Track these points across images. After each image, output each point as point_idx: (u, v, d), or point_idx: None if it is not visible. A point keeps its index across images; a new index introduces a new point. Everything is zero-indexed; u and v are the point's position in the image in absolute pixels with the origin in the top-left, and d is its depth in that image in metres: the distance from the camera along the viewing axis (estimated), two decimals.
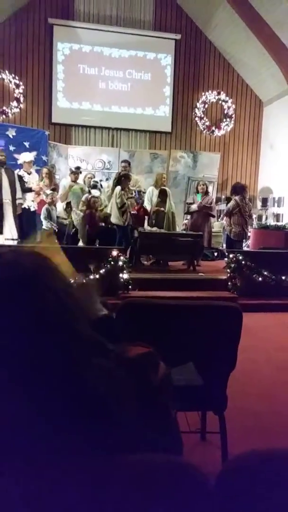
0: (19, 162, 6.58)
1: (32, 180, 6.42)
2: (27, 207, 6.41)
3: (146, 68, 9.16)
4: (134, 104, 9.10)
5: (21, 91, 8.73)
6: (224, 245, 7.20)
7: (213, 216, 6.97)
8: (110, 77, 9.04)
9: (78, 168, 6.81)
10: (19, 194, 6.39)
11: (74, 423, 0.47)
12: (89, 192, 6.38)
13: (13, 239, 6.17)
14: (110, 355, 0.55)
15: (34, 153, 6.96)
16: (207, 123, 9.46)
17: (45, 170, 6.41)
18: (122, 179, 6.03)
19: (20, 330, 0.49)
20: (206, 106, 9.48)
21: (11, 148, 7.25)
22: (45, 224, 5.94)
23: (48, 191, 6.11)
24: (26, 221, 6.40)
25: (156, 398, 0.60)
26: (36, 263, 0.55)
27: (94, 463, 0.46)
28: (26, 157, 6.52)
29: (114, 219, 5.98)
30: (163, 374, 0.67)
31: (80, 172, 6.80)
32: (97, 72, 9.01)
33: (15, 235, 6.22)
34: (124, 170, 6.64)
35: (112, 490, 0.44)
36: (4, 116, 8.57)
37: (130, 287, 5.11)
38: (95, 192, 6.38)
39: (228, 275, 5.41)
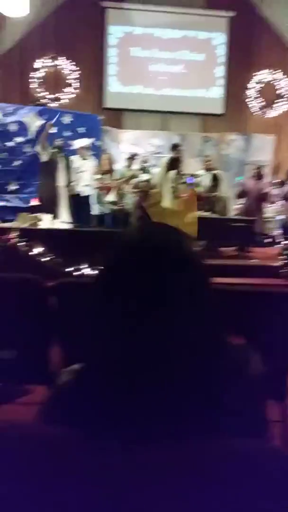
0: (74, 147, 6.73)
1: (87, 166, 6.57)
2: (80, 192, 6.59)
3: (198, 49, 8.98)
4: (186, 86, 8.98)
5: (74, 76, 8.86)
6: (279, 231, 7.04)
7: (267, 201, 6.82)
8: (161, 59, 8.96)
9: (134, 154, 6.88)
10: (72, 178, 6.58)
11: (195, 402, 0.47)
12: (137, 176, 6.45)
13: (68, 223, 6.38)
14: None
15: (91, 140, 7.07)
16: (261, 104, 9.15)
17: (107, 155, 6.51)
18: (175, 163, 6.03)
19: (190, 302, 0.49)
20: (260, 86, 9.16)
21: (65, 134, 7.41)
22: (97, 209, 6.09)
23: (98, 176, 6.22)
24: (79, 206, 6.58)
25: (252, 389, 0.60)
26: (180, 235, 0.56)
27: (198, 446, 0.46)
28: (82, 142, 6.65)
29: (166, 204, 6.01)
30: (259, 368, 0.67)
31: (135, 159, 6.87)
32: (149, 54, 8.95)
33: (69, 218, 6.43)
34: (176, 154, 6.61)
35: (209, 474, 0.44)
36: (58, 103, 8.76)
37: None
38: (144, 177, 6.43)
39: (282, 262, 5.30)
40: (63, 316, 1.98)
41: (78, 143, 6.68)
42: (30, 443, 0.47)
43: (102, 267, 0.54)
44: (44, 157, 6.41)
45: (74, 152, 6.91)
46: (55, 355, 2.04)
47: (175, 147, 7.02)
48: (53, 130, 7.31)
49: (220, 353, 0.51)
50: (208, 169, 6.57)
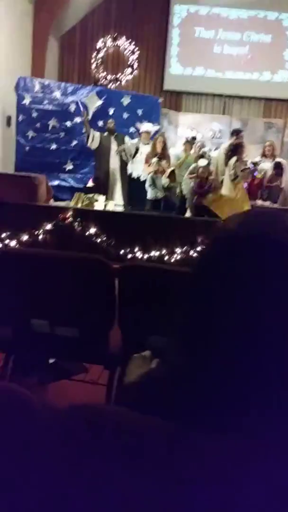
0: (140, 131, 6.60)
1: (145, 150, 6.44)
2: (135, 176, 6.49)
3: (266, 30, 8.50)
4: (250, 69, 8.56)
5: (135, 57, 8.69)
6: None
7: None
8: (226, 41, 8.59)
9: (194, 138, 6.66)
10: (128, 161, 6.48)
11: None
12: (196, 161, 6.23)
13: (122, 205, 6.31)
14: None
15: (157, 127, 6.93)
16: None
17: (161, 138, 6.35)
18: (237, 149, 5.75)
19: None
20: None
21: (124, 116, 7.29)
22: (151, 193, 5.95)
23: (154, 159, 6.08)
24: (134, 189, 6.49)
25: None
26: None
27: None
28: (147, 127, 6.52)
29: (225, 191, 5.77)
30: None
31: (193, 143, 6.66)
32: (213, 35, 8.61)
33: (123, 201, 6.36)
34: (237, 140, 6.32)
35: None
36: (117, 83, 8.65)
37: None
38: (202, 162, 6.20)
39: None
40: (126, 299, 1.95)
41: (143, 127, 6.56)
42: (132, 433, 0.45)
43: (203, 257, 0.52)
44: (93, 146, 6.37)
45: (132, 135, 6.81)
46: (115, 337, 2.01)
47: (236, 133, 6.73)
48: (112, 111, 7.23)
49: None
50: (269, 156, 6.24)
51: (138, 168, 6.43)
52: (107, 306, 1.95)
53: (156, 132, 6.86)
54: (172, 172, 6.15)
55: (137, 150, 6.37)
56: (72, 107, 7.24)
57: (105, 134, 6.37)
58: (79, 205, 6.07)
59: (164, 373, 0.56)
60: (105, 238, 5.15)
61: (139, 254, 5.11)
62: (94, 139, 6.32)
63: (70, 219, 5.13)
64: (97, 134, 6.37)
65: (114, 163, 6.40)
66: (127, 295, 1.95)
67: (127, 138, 6.48)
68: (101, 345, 1.98)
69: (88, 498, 0.42)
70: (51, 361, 2.26)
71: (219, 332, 0.46)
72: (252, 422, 0.44)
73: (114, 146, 6.36)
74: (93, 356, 2.03)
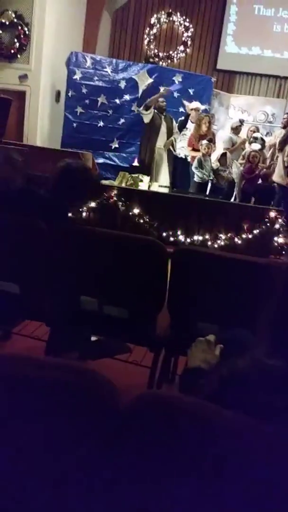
0: (188, 109, 6.43)
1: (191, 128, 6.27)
2: (181, 156, 6.34)
3: None
4: None
5: (189, 34, 8.40)
6: None
7: None
8: (286, 19, 8.10)
9: (242, 121, 6.41)
10: (175, 141, 6.33)
11: None
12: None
13: (166, 186, 6.21)
14: None
15: (205, 106, 6.75)
16: None
17: (207, 118, 6.15)
18: None
19: None
20: None
21: (175, 94, 7.10)
22: (198, 175, 5.80)
23: (204, 142, 5.89)
24: (180, 170, 6.36)
25: None
26: None
27: None
28: (195, 105, 6.34)
29: (276, 178, 5.53)
30: None
31: (242, 125, 6.41)
32: (273, 13, 8.15)
33: (168, 183, 6.25)
34: None
35: None
36: (169, 61, 8.41)
37: (283, 252, 4.74)
38: (254, 146, 5.97)
39: None
40: (177, 283, 1.92)
41: (192, 105, 6.38)
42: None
43: None
44: (146, 119, 6.25)
45: (181, 114, 6.64)
46: (163, 320, 1.99)
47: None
48: (144, 88, 7.04)
49: None
50: None
51: (182, 147, 6.28)
52: (158, 288, 1.93)
53: (204, 109, 6.67)
54: (224, 155, 5.97)
55: (184, 127, 6.22)
56: (122, 84, 7.13)
57: (155, 112, 6.25)
58: (123, 185, 6.03)
59: (253, 370, 0.54)
60: (148, 219, 5.10)
61: (181, 238, 5.03)
62: (149, 113, 6.20)
63: (115, 198, 5.10)
64: (151, 109, 6.25)
65: (161, 143, 6.28)
66: (179, 279, 1.92)
67: (174, 122, 6.33)
68: (148, 327, 1.96)
69: (161, 484, 0.42)
70: (94, 338, 2.26)
71: None
72: None
73: (163, 125, 6.24)
74: (139, 338, 2.03)
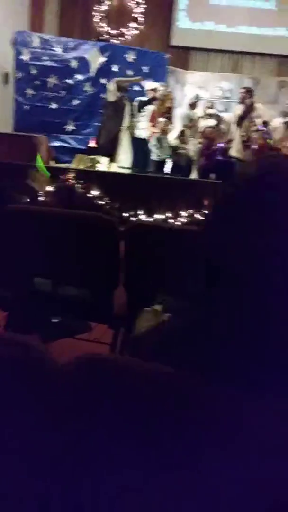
0: (146, 89, 6.33)
1: (150, 108, 6.17)
2: (140, 135, 6.25)
3: None
4: (263, 24, 8.05)
5: (141, 10, 8.20)
6: None
7: None
8: None
9: (198, 96, 6.37)
10: (135, 121, 6.24)
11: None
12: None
13: (126, 168, 6.10)
14: None
15: (159, 84, 6.64)
16: None
17: (171, 95, 6.08)
18: (250, 110, 5.50)
19: None
20: None
21: (129, 73, 6.94)
22: (155, 153, 5.74)
23: (161, 119, 5.83)
24: (139, 150, 6.27)
25: None
26: None
27: None
28: (151, 85, 6.25)
29: (234, 152, 5.53)
30: None
31: (198, 101, 6.37)
32: None
33: (128, 163, 6.15)
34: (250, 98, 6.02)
35: None
36: (122, 39, 8.20)
37: None
38: (210, 122, 5.94)
39: None
40: (131, 259, 1.94)
41: (147, 86, 6.29)
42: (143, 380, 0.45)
43: (218, 204, 0.52)
44: (111, 97, 6.10)
45: (138, 94, 6.52)
46: (120, 297, 1.98)
47: (248, 92, 6.40)
48: (115, 68, 6.93)
49: None
50: None
51: (142, 127, 6.18)
52: (111, 265, 1.94)
53: None
54: (182, 132, 5.91)
55: (142, 108, 6.11)
56: (74, 64, 6.90)
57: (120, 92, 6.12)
58: (80, 167, 5.88)
59: (179, 327, 0.56)
60: (108, 200, 5.01)
61: (143, 217, 4.98)
62: (111, 92, 6.05)
63: (72, 180, 4.98)
64: (114, 87, 6.10)
65: (124, 123, 6.17)
66: (132, 255, 1.94)
67: (135, 103, 6.20)
68: (105, 305, 1.97)
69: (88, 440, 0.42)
70: (55, 320, 2.24)
71: (241, 284, 0.45)
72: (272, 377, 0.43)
73: (127, 107, 6.12)
74: (97, 316, 2.05)
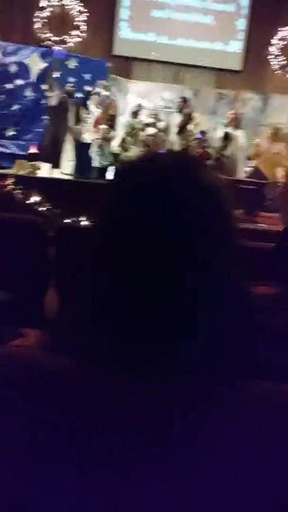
0: (92, 93, 6.36)
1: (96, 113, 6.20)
2: (84, 141, 6.23)
3: None
4: (203, 38, 8.36)
5: (82, 19, 8.21)
6: None
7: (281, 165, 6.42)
8: (179, 6, 8.30)
9: (140, 106, 6.48)
10: (79, 127, 6.21)
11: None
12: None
13: (68, 174, 6.05)
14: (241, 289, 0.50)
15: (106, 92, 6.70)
16: (283, 63, 8.57)
17: (115, 103, 6.15)
18: (188, 119, 5.67)
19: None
20: (284, 42, 8.53)
21: (70, 80, 6.90)
22: (98, 160, 5.75)
23: (103, 126, 5.85)
24: (82, 156, 6.25)
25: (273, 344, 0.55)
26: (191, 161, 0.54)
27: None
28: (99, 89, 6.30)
29: None
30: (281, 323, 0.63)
31: (139, 110, 6.47)
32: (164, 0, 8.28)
33: (70, 169, 6.09)
34: (187, 108, 6.22)
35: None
36: (63, 46, 8.15)
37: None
38: (150, 131, 6.06)
39: None
40: (62, 262, 1.94)
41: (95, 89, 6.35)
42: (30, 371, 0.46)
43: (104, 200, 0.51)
44: (52, 101, 6.05)
45: (82, 100, 6.52)
46: (51, 301, 1.96)
47: (184, 100, 6.59)
48: (57, 74, 6.88)
49: (237, 301, 0.47)
50: (231, 126, 6.21)
51: (86, 133, 6.17)
52: (40, 268, 1.92)
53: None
54: (124, 140, 5.96)
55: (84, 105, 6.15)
56: (13, 69, 6.77)
57: (64, 96, 6.07)
58: (20, 173, 5.74)
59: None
60: (49, 206, 4.92)
61: (85, 223, 4.94)
62: (53, 96, 5.99)
63: (11, 186, 4.87)
64: (58, 92, 6.06)
65: (67, 130, 6.13)
66: (62, 257, 1.93)
67: (82, 110, 6.19)
68: (37, 309, 1.91)
69: None
70: None
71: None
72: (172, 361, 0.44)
73: (70, 113, 6.08)
74: (28, 320, 1.91)
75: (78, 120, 6.16)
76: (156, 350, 0.44)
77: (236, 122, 6.35)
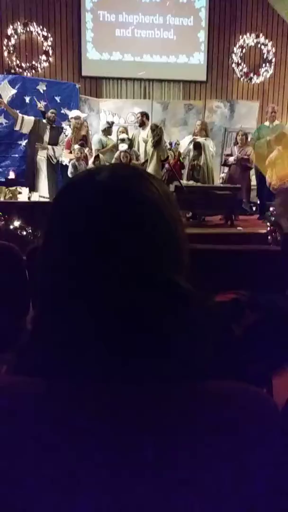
0: (70, 117, 6.53)
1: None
2: (62, 163, 6.36)
3: (180, 12, 8.56)
4: (166, 52, 8.61)
5: (49, 43, 8.42)
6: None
7: (250, 169, 6.64)
8: (140, 24, 8.53)
9: (110, 122, 6.62)
10: (58, 152, 6.34)
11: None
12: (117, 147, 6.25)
13: (46, 197, 6.14)
14: (190, 300, 0.50)
15: (84, 115, 6.87)
16: (245, 70, 8.86)
17: (85, 123, 6.31)
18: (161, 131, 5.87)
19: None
20: (244, 51, 8.84)
21: (42, 103, 7.08)
22: None
23: (76, 146, 5.99)
24: (59, 177, 6.36)
25: (234, 350, 0.57)
26: (132, 172, 0.53)
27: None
28: (74, 113, 6.48)
29: (151, 172, 5.80)
30: (248, 325, 0.63)
31: (111, 127, 6.62)
32: (125, 19, 8.52)
33: (48, 192, 6.17)
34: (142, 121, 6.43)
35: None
36: (33, 71, 8.34)
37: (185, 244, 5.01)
38: (122, 147, 6.18)
39: (268, 228, 5.18)
40: (33, 284, 1.92)
41: (73, 113, 6.51)
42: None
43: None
44: (24, 129, 6.19)
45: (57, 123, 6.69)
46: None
47: (142, 115, 6.70)
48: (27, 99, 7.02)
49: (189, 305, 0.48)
50: (199, 135, 6.42)
51: (63, 155, 6.32)
52: (17, 291, 1.90)
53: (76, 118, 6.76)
54: (97, 157, 6.08)
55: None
56: None
57: (44, 121, 6.19)
58: (1, 199, 5.84)
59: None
60: (30, 230, 5.01)
61: None
62: (24, 123, 6.11)
63: None
64: (31, 118, 6.19)
65: (42, 153, 6.24)
66: (33, 278, 1.91)
67: (62, 136, 6.35)
68: (16, 332, 1.83)
69: None
70: None
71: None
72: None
73: (46, 137, 6.20)
74: (7, 344, 1.98)
75: (55, 142, 6.29)
76: (109, 361, 0.44)
77: (205, 131, 6.55)
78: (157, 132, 5.94)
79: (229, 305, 0.64)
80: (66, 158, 6.21)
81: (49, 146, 6.20)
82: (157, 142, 5.90)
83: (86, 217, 0.46)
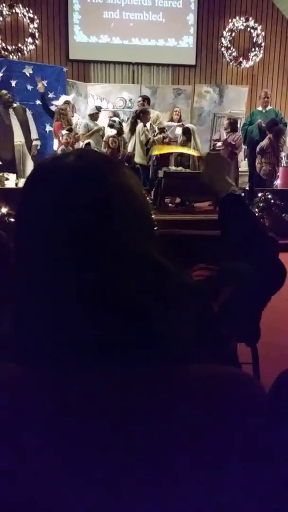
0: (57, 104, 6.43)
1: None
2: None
3: None
4: (155, 36, 8.47)
5: (36, 25, 8.23)
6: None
7: (236, 154, 6.61)
8: (128, 6, 8.37)
9: (98, 107, 6.54)
10: (34, 135, 6.26)
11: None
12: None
13: None
14: (169, 278, 0.50)
15: (71, 96, 6.76)
16: (234, 54, 8.78)
17: (69, 108, 6.23)
18: (141, 115, 5.76)
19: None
20: (233, 34, 8.74)
21: (29, 87, 6.96)
22: None
23: (64, 132, 5.92)
24: None
25: (216, 327, 0.58)
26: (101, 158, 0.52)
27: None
28: (63, 98, 6.42)
29: (138, 159, 5.77)
30: (225, 300, 0.64)
31: (99, 112, 6.54)
32: (113, 0, 8.34)
33: None
34: (142, 106, 6.35)
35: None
36: (20, 54, 8.17)
37: (155, 228, 5.02)
38: (111, 132, 6.13)
39: (256, 214, 5.22)
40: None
41: (62, 98, 6.43)
42: None
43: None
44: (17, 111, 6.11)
45: (38, 107, 6.58)
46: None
47: (143, 99, 6.70)
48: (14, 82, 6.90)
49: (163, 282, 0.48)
50: (176, 121, 6.38)
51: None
52: (4, 277, 1.94)
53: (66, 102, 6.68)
54: (88, 145, 6.03)
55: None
56: None
57: (1, 107, 6.07)
58: None
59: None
60: None
61: None
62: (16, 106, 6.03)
63: None
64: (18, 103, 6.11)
65: (18, 137, 6.14)
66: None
67: (28, 112, 6.24)
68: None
69: None
70: None
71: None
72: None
73: (13, 119, 6.08)
74: None
75: (28, 127, 6.21)
76: (90, 343, 0.44)
77: (180, 118, 6.51)
78: (133, 117, 5.90)
79: (205, 283, 0.65)
80: (55, 146, 6.14)
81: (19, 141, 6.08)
82: (133, 128, 5.86)
83: (52, 199, 0.46)
